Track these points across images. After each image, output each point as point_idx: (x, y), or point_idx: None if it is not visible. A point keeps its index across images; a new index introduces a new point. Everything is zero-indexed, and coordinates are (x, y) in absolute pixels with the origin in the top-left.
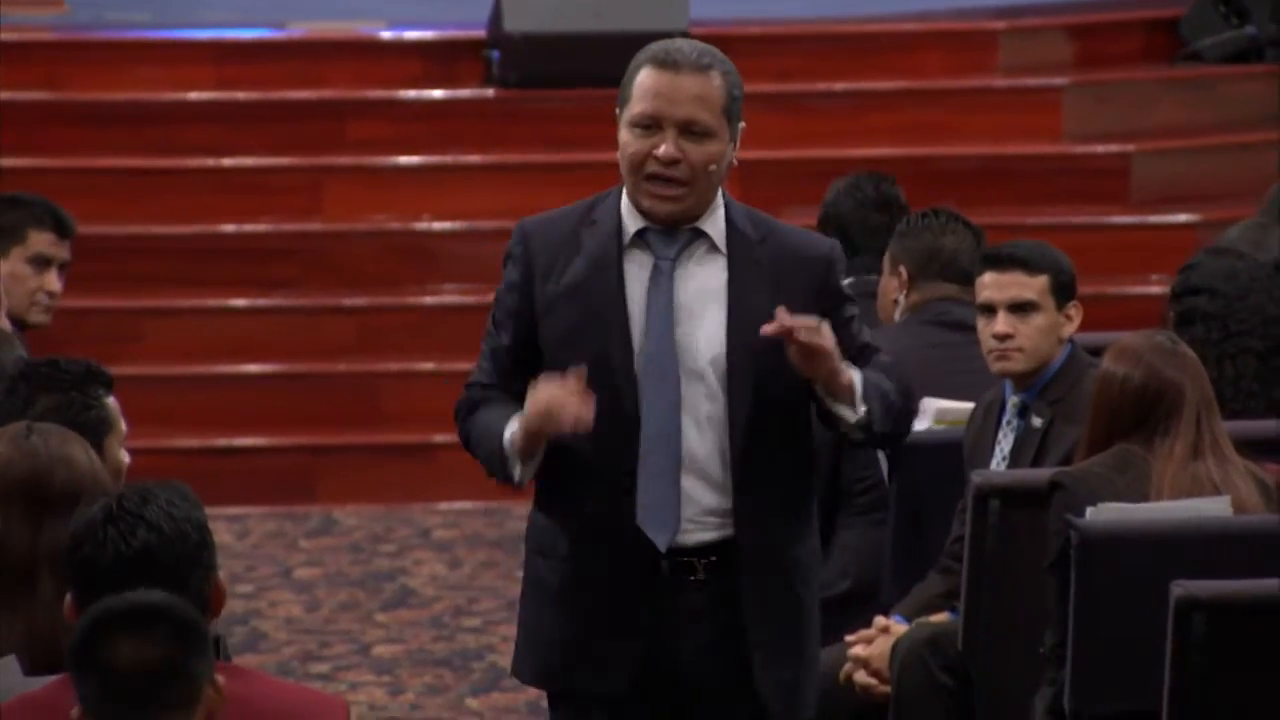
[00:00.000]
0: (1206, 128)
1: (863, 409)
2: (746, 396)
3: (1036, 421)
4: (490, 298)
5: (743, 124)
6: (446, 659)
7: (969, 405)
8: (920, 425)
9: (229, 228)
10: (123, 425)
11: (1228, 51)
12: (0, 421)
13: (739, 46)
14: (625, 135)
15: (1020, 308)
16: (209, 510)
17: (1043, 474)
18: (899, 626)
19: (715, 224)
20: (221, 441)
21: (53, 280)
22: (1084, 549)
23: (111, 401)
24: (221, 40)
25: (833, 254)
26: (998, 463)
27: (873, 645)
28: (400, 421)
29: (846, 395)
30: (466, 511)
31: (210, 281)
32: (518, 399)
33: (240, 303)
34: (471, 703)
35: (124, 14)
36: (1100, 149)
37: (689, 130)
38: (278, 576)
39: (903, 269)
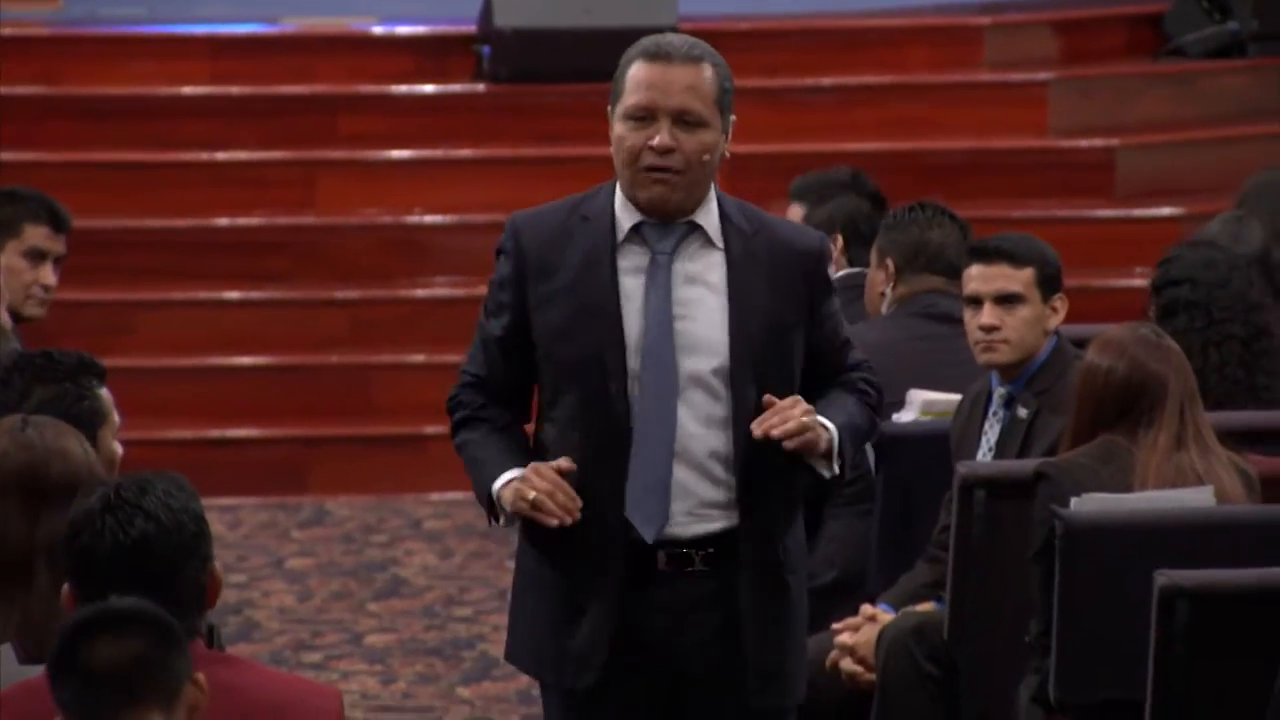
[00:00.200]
0: (1190, 122)
1: (837, 465)
2: (749, 390)
3: (1022, 412)
4: (481, 290)
5: (733, 117)
6: (438, 648)
7: (955, 397)
8: (907, 417)
9: (222, 221)
10: (116, 416)
11: (1210, 47)
12: None
13: (727, 42)
14: (620, 128)
15: (1006, 300)
16: (202, 501)
17: (1028, 465)
18: (885, 615)
19: (709, 217)
20: (214, 433)
21: (48, 274)
22: (1068, 539)
23: (105, 393)
24: (215, 35)
25: (821, 246)
26: (984, 453)
27: (859, 633)
28: (392, 413)
29: (825, 455)
30: (458, 502)
31: (203, 274)
32: (507, 400)
33: (233, 295)
34: (462, 691)
35: (118, 9)
36: (1085, 143)
37: (682, 120)
38: (270, 566)
39: (890, 262)
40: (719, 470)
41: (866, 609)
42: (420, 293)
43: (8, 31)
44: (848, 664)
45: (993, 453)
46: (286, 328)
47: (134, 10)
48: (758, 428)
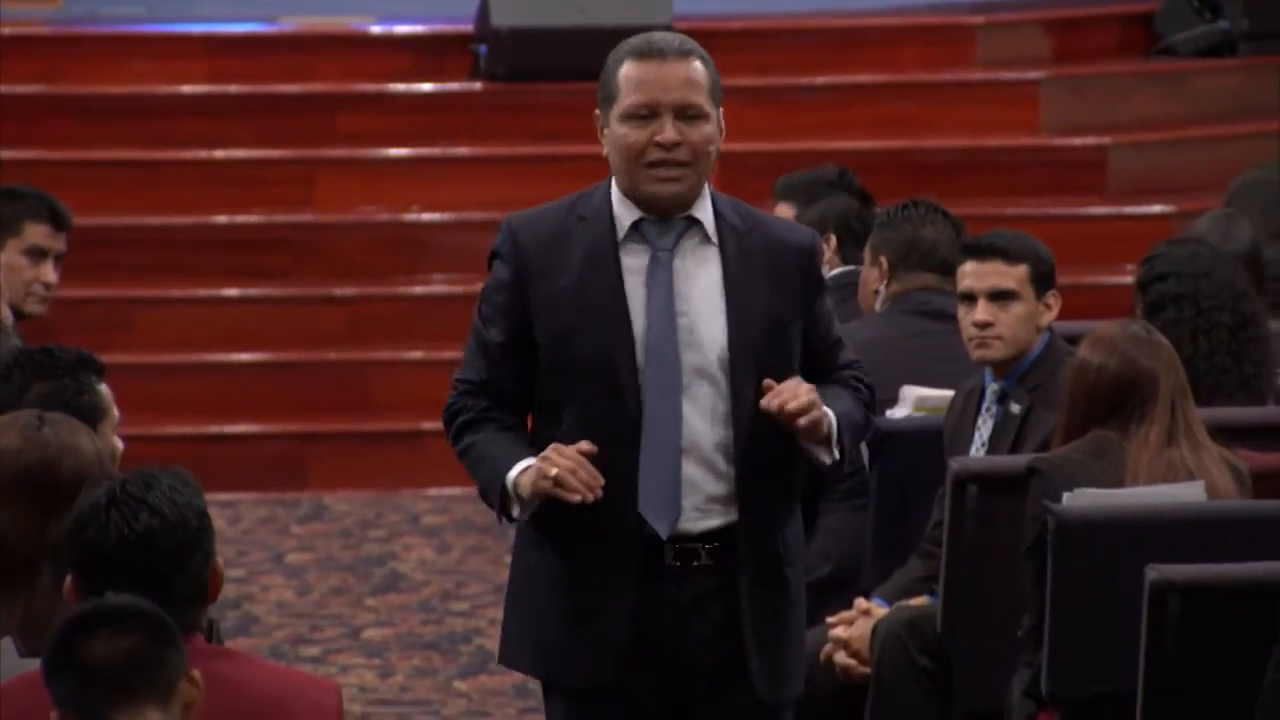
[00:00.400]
0: (1181, 120)
1: (837, 451)
2: (748, 385)
3: (1015, 408)
4: (478, 287)
5: (720, 108)
6: (435, 642)
7: (948, 393)
8: (900, 413)
9: (221, 219)
10: (116, 412)
11: (1201, 46)
12: None
13: (721, 41)
14: (621, 129)
15: (1000, 296)
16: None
17: (1020, 460)
18: (879, 609)
19: (705, 212)
20: (214, 429)
21: (48, 271)
22: (1060, 534)
23: (104, 388)
24: (214, 34)
25: (815, 243)
26: (977, 449)
27: (853, 627)
28: (390, 409)
29: (825, 441)
30: (455, 497)
31: (203, 271)
32: (510, 402)
33: (232, 292)
34: (459, 685)
35: (118, 9)
36: (1077, 141)
37: (684, 114)
38: (269, 561)
39: (883, 259)
40: (722, 465)
41: (861, 603)
42: (418, 290)
43: (8, 31)
44: (842, 657)
45: (986, 448)
46: (285, 324)
47: (133, 9)
48: (772, 401)
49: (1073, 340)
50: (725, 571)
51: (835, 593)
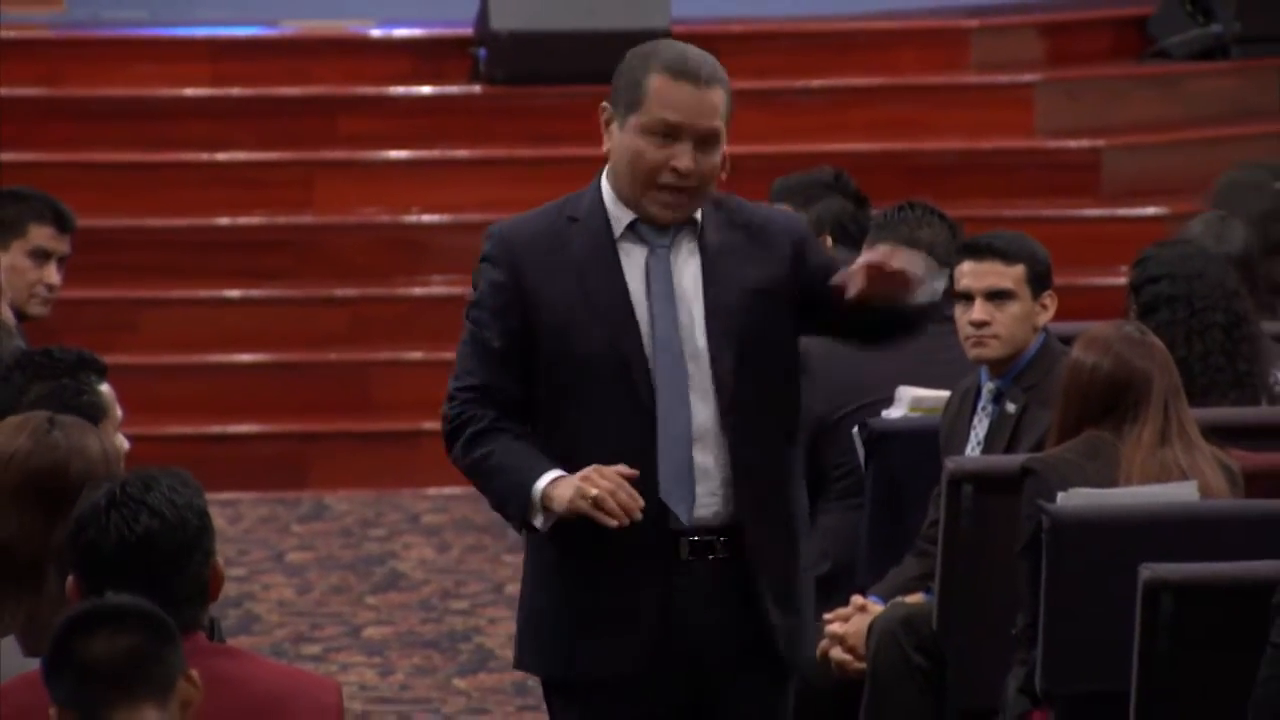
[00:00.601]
0: (1175, 123)
1: (934, 287)
2: (728, 367)
3: (1010, 407)
4: None
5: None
6: (435, 640)
7: (944, 393)
8: (896, 413)
9: (223, 220)
10: (118, 412)
11: (1194, 49)
12: None
13: (720, 45)
14: (638, 141)
15: (997, 296)
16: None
17: (1015, 460)
18: (875, 606)
19: (699, 213)
20: (215, 429)
21: (52, 273)
22: (1055, 533)
23: (106, 389)
24: (216, 38)
25: (803, 225)
26: (973, 447)
27: (849, 624)
28: (390, 409)
29: (906, 292)
30: (455, 497)
31: (204, 272)
32: (514, 406)
33: (234, 293)
34: (459, 683)
35: (120, 12)
36: (1071, 144)
37: (703, 141)
38: (270, 560)
39: None
40: (727, 450)
41: (857, 600)
42: (418, 291)
43: (11, 34)
44: (838, 653)
45: (981, 447)
46: (286, 325)
47: (135, 13)
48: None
49: (1067, 341)
50: (738, 559)
51: (832, 591)
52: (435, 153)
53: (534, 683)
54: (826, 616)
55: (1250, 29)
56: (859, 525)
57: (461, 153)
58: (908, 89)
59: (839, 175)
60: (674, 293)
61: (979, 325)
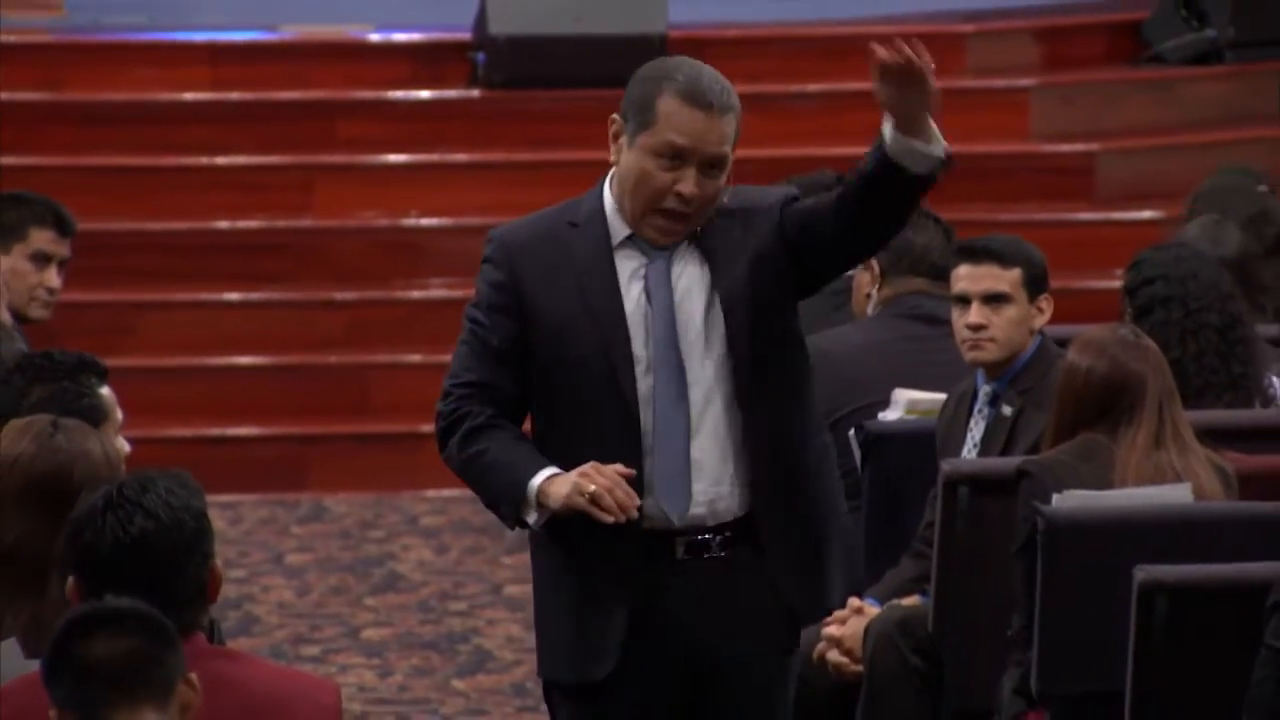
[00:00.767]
0: (1169, 127)
1: (944, 146)
2: (747, 363)
3: (1007, 410)
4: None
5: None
6: (433, 642)
7: (940, 396)
8: (892, 415)
9: (222, 224)
10: (119, 415)
11: (1189, 54)
12: None
13: (715, 49)
14: (645, 162)
15: (994, 299)
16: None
17: (1010, 462)
18: (872, 608)
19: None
20: (215, 431)
21: (52, 277)
22: (1050, 535)
23: (106, 391)
24: (215, 42)
25: (787, 190)
26: (969, 450)
27: (846, 626)
28: (389, 412)
29: (926, 130)
30: (453, 499)
31: (204, 276)
32: (510, 405)
33: (233, 296)
34: (458, 684)
35: (120, 17)
36: (1066, 148)
37: (710, 165)
38: (270, 562)
39: (875, 264)
40: (731, 448)
41: (854, 602)
42: (416, 294)
43: (11, 38)
44: (834, 656)
45: (977, 449)
46: (285, 328)
47: (135, 18)
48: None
49: (1063, 344)
50: (739, 558)
51: None
52: (433, 156)
53: (532, 684)
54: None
55: (1244, 34)
56: (856, 527)
57: (460, 156)
58: None
59: (840, 178)
60: (672, 299)
61: (976, 328)
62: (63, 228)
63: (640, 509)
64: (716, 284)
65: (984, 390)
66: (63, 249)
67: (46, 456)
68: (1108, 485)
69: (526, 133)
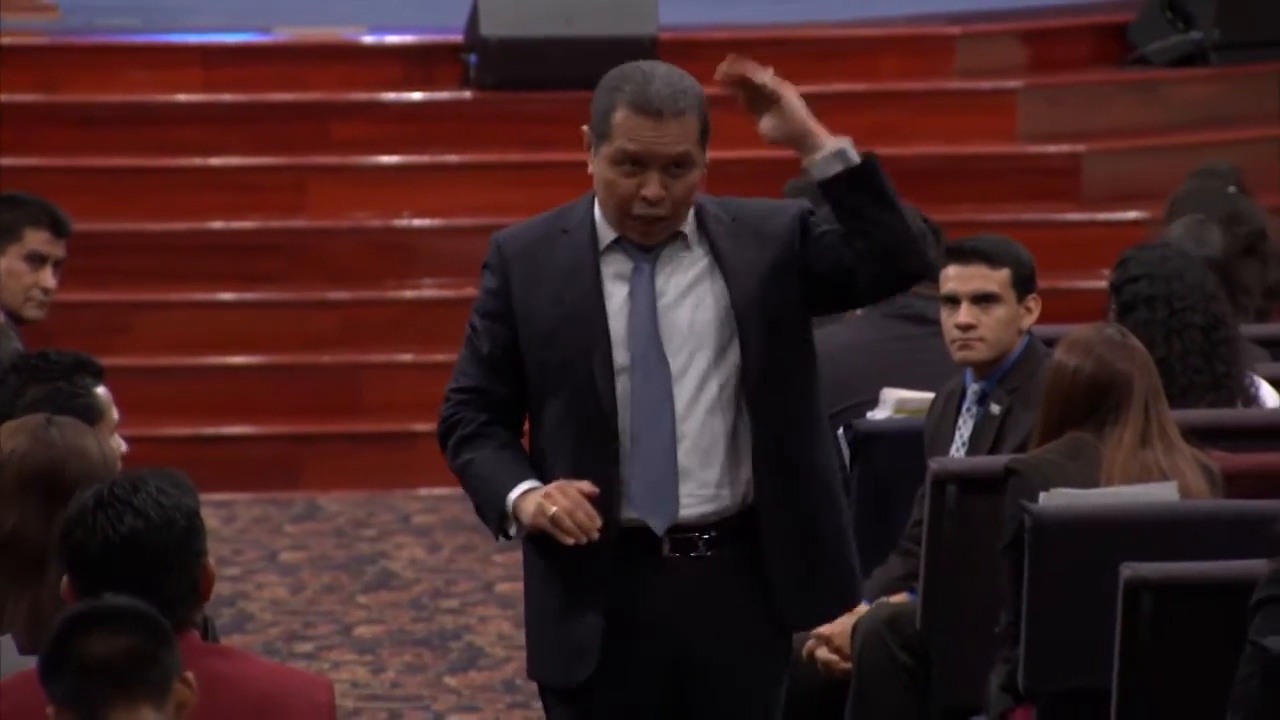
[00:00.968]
0: (1154, 128)
1: (846, 142)
2: (758, 364)
3: (995, 409)
4: (467, 292)
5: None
6: (426, 639)
7: (928, 395)
8: (881, 414)
9: (217, 224)
10: (114, 414)
11: (1174, 56)
12: None
13: (705, 51)
14: (608, 172)
15: (983, 299)
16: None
17: (998, 461)
18: (860, 606)
19: (688, 224)
20: (209, 430)
21: (47, 277)
22: (1037, 533)
23: (102, 391)
24: (209, 44)
25: (803, 209)
26: (957, 449)
27: (835, 624)
28: (381, 411)
29: (823, 141)
30: (445, 497)
31: (198, 276)
32: (505, 410)
33: (227, 296)
34: (450, 681)
35: (115, 19)
36: (1052, 149)
37: (675, 165)
38: (263, 560)
39: None
40: (721, 451)
41: None
42: (409, 294)
43: (7, 41)
44: (824, 653)
45: (965, 448)
46: (279, 328)
47: (129, 20)
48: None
49: (1050, 343)
50: (724, 557)
51: None
52: (426, 158)
53: (523, 680)
54: None
55: (1229, 36)
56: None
57: (452, 157)
58: (891, 95)
59: None
60: (655, 302)
61: (965, 328)
62: (58, 228)
63: (617, 516)
64: (726, 277)
65: (972, 389)
66: (58, 249)
67: (39, 451)
68: (1094, 484)
69: (518, 134)
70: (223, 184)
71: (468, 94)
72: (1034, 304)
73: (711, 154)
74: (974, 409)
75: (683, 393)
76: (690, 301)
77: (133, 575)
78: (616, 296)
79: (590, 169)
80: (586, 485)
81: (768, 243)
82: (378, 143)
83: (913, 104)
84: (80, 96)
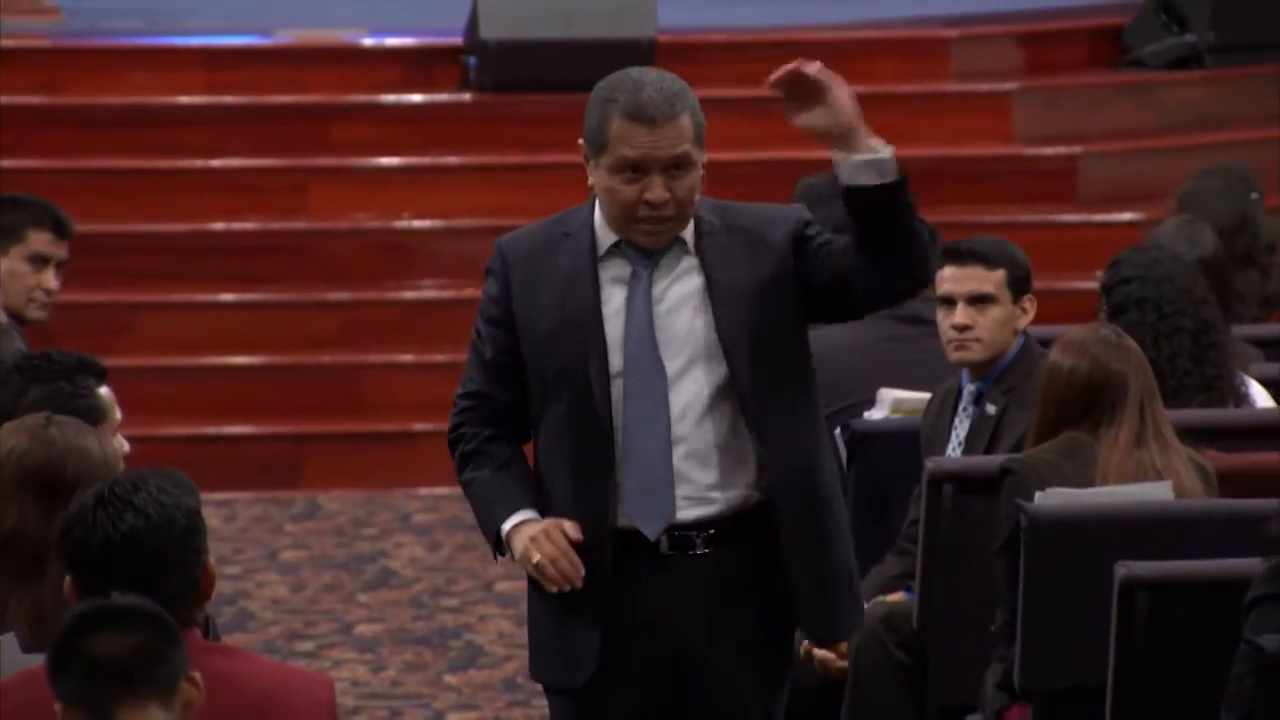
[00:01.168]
0: (1149, 131)
1: (889, 150)
2: (747, 366)
3: (991, 409)
4: (467, 293)
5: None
6: (426, 637)
7: (924, 395)
8: (878, 414)
9: (218, 226)
10: (117, 415)
11: (1169, 58)
12: None
13: (704, 53)
14: (609, 181)
15: (979, 300)
16: (199, 495)
17: (994, 460)
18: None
19: (687, 229)
20: (211, 430)
21: (50, 278)
22: (1032, 532)
23: (105, 391)
24: (210, 47)
25: (800, 213)
26: (953, 448)
27: None
28: (382, 411)
29: (866, 144)
30: (445, 496)
31: (200, 277)
32: (509, 416)
33: (229, 297)
34: (449, 679)
35: (117, 22)
36: (1049, 151)
37: (675, 166)
38: (264, 559)
39: None
40: (716, 455)
41: None
42: (409, 295)
43: (9, 43)
44: (821, 652)
45: (962, 448)
46: (280, 328)
47: (132, 23)
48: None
49: (1046, 344)
50: (722, 556)
51: None
52: (426, 159)
53: (523, 679)
54: None
55: (1223, 39)
56: None
57: (452, 159)
58: (888, 97)
59: None
60: (652, 307)
61: (961, 329)
62: (60, 230)
63: (613, 520)
64: (713, 296)
65: (968, 389)
66: (60, 251)
67: (39, 449)
68: (1090, 483)
69: (517, 136)
70: (224, 185)
71: (467, 96)
72: (1030, 305)
73: (712, 156)
74: (970, 409)
75: (679, 397)
76: (688, 307)
77: (133, 573)
78: (614, 301)
79: (590, 180)
80: (573, 531)
81: (760, 255)
82: (378, 144)
83: (910, 106)
84: (82, 98)
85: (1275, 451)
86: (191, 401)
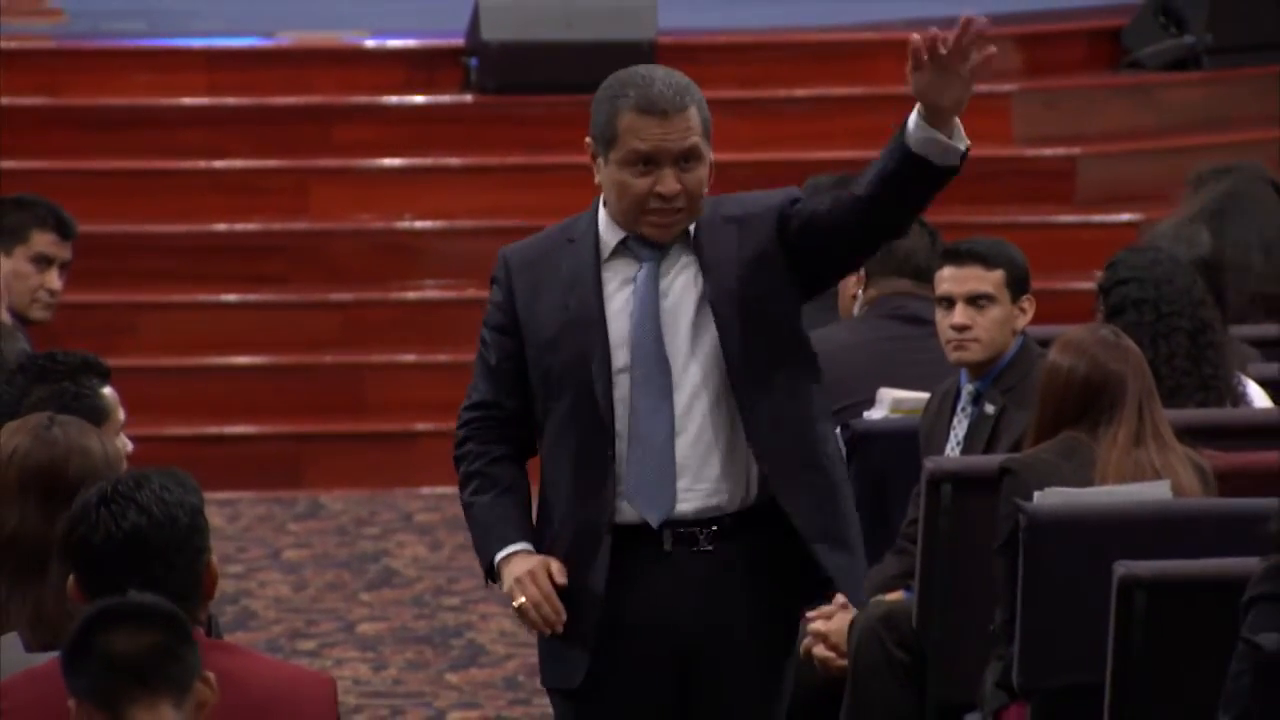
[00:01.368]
0: (1147, 132)
1: (962, 145)
2: (739, 342)
3: (989, 409)
4: (469, 293)
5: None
6: (427, 636)
7: (924, 395)
8: (877, 414)
9: (220, 226)
10: (120, 415)
11: (1167, 60)
12: None
13: (705, 55)
14: (621, 174)
15: (977, 300)
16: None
17: (993, 460)
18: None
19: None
20: (213, 430)
21: (54, 279)
22: (1031, 531)
23: (109, 392)
24: (213, 49)
25: (787, 197)
26: (952, 448)
27: (832, 621)
28: (384, 410)
29: (955, 128)
30: (447, 496)
31: (203, 277)
32: (514, 423)
33: (231, 298)
34: (451, 678)
35: (120, 23)
36: (1048, 151)
37: (685, 158)
38: (267, 558)
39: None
40: (721, 446)
41: (839, 598)
42: (411, 295)
43: (12, 44)
44: (820, 650)
45: (960, 447)
46: (282, 329)
47: (134, 24)
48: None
49: (1044, 344)
50: (728, 550)
51: None
52: (428, 160)
53: (524, 677)
54: (810, 614)
55: (1221, 40)
56: None
57: (453, 160)
58: (888, 98)
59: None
60: (658, 303)
61: (960, 329)
62: (64, 230)
63: (615, 517)
64: (707, 288)
65: (967, 389)
66: (64, 251)
67: (41, 449)
68: (1089, 483)
69: (518, 137)
70: (226, 186)
71: (469, 97)
72: (1028, 304)
73: (716, 156)
74: (969, 409)
75: (684, 390)
76: (691, 300)
77: (136, 571)
78: (618, 300)
79: (597, 179)
80: (559, 573)
81: (746, 233)
82: (380, 145)
83: (909, 107)
84: (85, 100)
85: (1273, 451)
86: (194, 401)
